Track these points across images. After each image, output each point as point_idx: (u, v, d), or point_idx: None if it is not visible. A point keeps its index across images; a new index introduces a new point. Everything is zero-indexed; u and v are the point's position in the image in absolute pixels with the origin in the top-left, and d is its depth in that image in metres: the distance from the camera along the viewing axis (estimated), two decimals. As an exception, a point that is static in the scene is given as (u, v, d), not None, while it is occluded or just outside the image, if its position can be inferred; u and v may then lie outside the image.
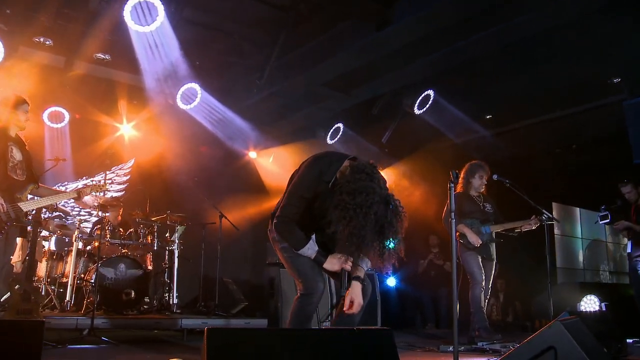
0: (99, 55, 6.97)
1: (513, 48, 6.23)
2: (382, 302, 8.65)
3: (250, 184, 9.50)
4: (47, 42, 6.59)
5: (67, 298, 6.48)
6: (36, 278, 6.71)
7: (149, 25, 5.67)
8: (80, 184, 9.23)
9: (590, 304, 7.11)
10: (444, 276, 8.82)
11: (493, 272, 6.04)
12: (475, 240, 5.81)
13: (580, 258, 11.32)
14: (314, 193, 3.09)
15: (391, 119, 8.22)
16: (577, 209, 11.36)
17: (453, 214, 3.62)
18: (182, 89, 7.42)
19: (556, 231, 10.43)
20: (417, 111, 7.43)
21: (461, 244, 5.98)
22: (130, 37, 6.03)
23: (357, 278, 3.12)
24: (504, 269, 8.72)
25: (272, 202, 9.20)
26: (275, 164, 9.66)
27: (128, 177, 9.80)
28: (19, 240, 4.76)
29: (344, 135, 8.71)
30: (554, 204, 10.27)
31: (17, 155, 4.44)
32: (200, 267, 7.67)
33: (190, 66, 7.03)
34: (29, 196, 4.55)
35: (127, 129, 8.95)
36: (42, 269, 6.87)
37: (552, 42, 6.11)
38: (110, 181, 9.62)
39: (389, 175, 9.72)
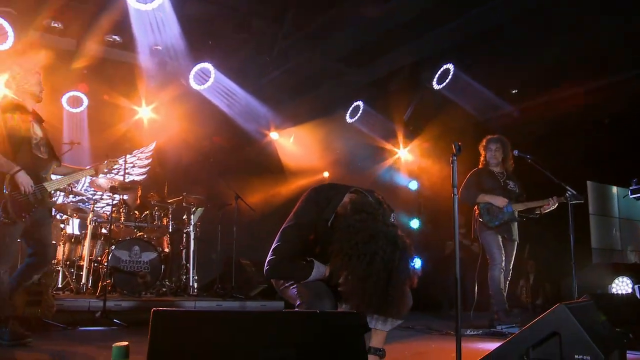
0: (111, 37, 6.87)
1: (537, 13, 5.81)
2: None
3: (269, 166, 9.36)
4: (57, 25, 6.52)
5: (83, 280, 6.49)
6: (55, 261, 6.77)
7: (150, 2, 5.51)
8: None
9: (622, 286, 6.71)
10: (472, 257, 8.53)
11: (514, 253, 5.74)
12: (501, 202, 5.55)
13: (617, 238, 10.81)
14: (313, 232, 2.72)
15: (412, 95, 7.91)
16: (614, 187, 10.82)
17: (455, 189, 3.37)
18: (195, 69, 7.29)
19: (591, 210, 9.96)
20: (436, 86, 7.10)
21: (480, 222, 5.71)
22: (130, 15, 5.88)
23: (377, 351, 2.73)
24: (534, 250, 8.41)
25: (290, 184, 9.12)
26: (295, 144, 9.50)
27: (150, 161, 9.79)
28: None
29: (364, 114, 8.45)
30: (588, 183, 9.80)
31: (38, 131, 4.19)
32: (217, 250, 7.60)
33: (202, 46, 6.92)
34: (52, 176, 4.37)
35: (146, 112, 8.90)
36: (60, 251, 6.89)
37: (583, 3, 5.62)
38: (132, 165, 9.63)
39: (411, 153, 9.45)
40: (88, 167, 4.69)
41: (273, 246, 2.78)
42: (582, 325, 2.58)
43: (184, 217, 7.57)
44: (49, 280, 5.19)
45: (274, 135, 9.55)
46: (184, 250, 7.44)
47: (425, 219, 9.32)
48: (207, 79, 7.47)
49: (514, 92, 7.73)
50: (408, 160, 9.55)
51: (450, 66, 6.96)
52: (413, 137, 9.21)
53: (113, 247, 6.44)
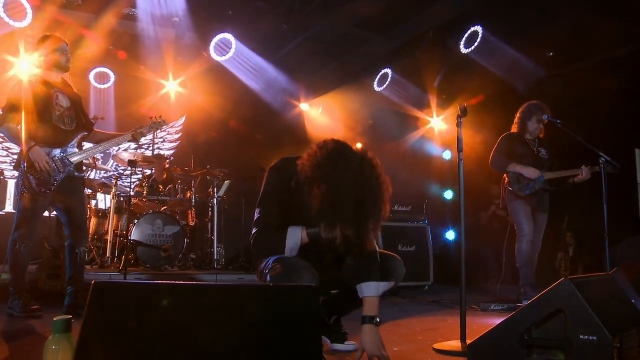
0: (130, 10, 6.80)
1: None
2: (440, 257, 8.29)
3: (297, 138, 9.19)
4: (76, 2, 6.48)
5: (108, 254, 6.55)
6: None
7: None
8: (133, 143, 9.34)
9: (666, 260, 6.25)
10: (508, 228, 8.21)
11: (545, 224, 5.41)
12: (532, 172, 5.23)
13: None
14: (285, 194, 2.68)
15: (440, 61, 7.53)
16: (667, 154, 10.14)
17: (460, 153, 3.13)
18: (215, 39, 7.16)
19: (639, 180, 9.37)
20: (463, 50, 6.72)
21: (510, 191, 5.40)
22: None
23: (370, 319, 2.62)
24: (574, 221, 7.98)
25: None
26: (324, 115, 9.29)
27: (180, 135, 9.81)
28: None
29: (393, 81, 8.14)
30: (637, 151, 9.21)
31: (63, 102, 4.07)
32: (242, 223, 7.54)
33: (222, 16, 6.77)
34: (85, 144, 4.29)
35: (173, 86, 8.87)
36: (90, 225, 6.97)
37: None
38: (162, 139, 9.68)
39: (445, 122, 9.10)
40: (126, 133, 4.34)
41: (254, 219, 2.72)
42: (590, 302, 2.33)
43: (210, 190, 7.53)
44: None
45: (303, 106, 9.36)
46: (209, 224, 7.41)
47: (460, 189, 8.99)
48: (228, 50, 7.31)
49: (550, 54, 7.24)
50: (441, 129, 9.21)
51: (479, 28, 6.56)
52: (446, 105, 8.84)
53: (136, 220, 6.46)
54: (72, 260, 4.12)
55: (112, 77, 8.38)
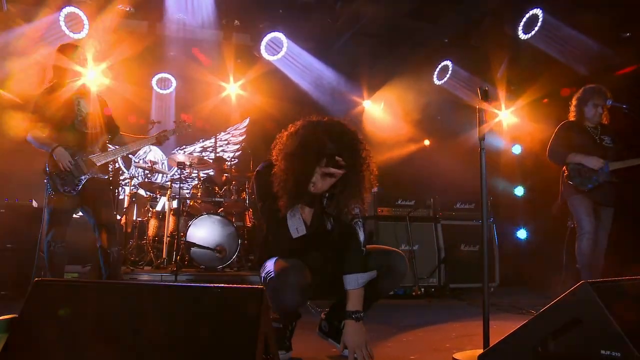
0: (179, 15, 6.91)
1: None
2: (511, 258, 7.80)
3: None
4: (128, 9, 6.67)
5: (164, 256, 6.68)
6: (147, 236, 7.05)
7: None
8: (197, 146, 9.56)
9: None
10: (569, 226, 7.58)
11: (611, 220, 4.89)
12: (595, 162, 4.75)
13: None
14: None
15: (503, 49, 7.04)
16: None
17: (482, 142, 2.83)
18: (266, 38, 7.13)
19: None
20: (522, 36, 6.23)
21: (569, 185, 4.93)
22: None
23: (352, 314, 2.56)
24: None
25: (380, 155, 8.65)
26: (385, 113, 9.01)
27: (243, 137, 9.90)
28: None
29: (454, 74, 7.74)
30: None
31: (84, 107, 4.23)
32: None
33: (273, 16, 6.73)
34: (110, 147, 4.42)
35: (233, 89, 8.95)
36: (150, 227, 7.16)
37: None
38: (226, 142, 9.81)
39: (514, 115, 8.54)
40: (150, 136, 4.56)
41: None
42: (614, 312, 1.99)
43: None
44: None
45: (366, 103, 9.14)
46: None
47: (531, 185, 8.41)
48: (280, 50, 7.27)
49: (626, 34, 6.54)
50: (510, 123, 8.66)
51: (539, 11, 6.05)
52: (515, 97, 8.30)
53: (191, 222, 6.54)
54: (105, 261, 4.20)
55: (174, 82, 8.58)
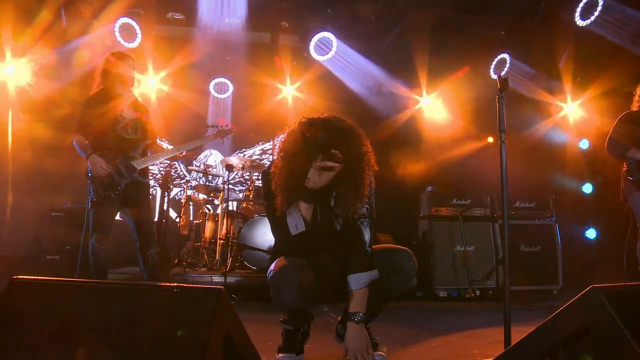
0: (229, 19, 7.02)
1: None
2: (579, 258, 7.40)
3: (412, 137, 8.75)
4: (179, 17, 6.85)
5: (217, 257, 6.79)
6: (203, 238, 7.21)
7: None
8: (257, 149, 9.68)
9: None
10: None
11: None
12: None
13: None
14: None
15: (563, 39, 6.63)
16: None
17: (502, 134, 2.66)
18: (315, 38, 7.11)
19: None
20: (580, 22, 5.82)
21: (630, 181, 4.58)
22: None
23: (352, 316, 2.50)
24: None
25: (423, 153, 8.39)
26: (443, 110, 8.73)
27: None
28: None
29: (512, 67, 7.38)
30: None
31: (127, 114, 4.37)
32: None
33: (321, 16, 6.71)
34: (149, 153, 4.53)
35: (290, 91, 8.99)
36: (206, 230, 7.31)
37: None
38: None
39: (581, 108, 8.07)
40: (180, 146, 4.67)
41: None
42: (626, 320, 1.79)
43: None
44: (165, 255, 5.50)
45: (425, 101, 8.91)
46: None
47: (600, 182, 7.89)
48: (329, 50, 7.23)
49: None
50: (577, 117, 8.19)
51: (597, -7, 5.65)
52: (581, 89, 7.84)
53: (242, 224, 6.61)
54: (145, 263, 4.32)
55: (231, 87, 8.74)
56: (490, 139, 8.91)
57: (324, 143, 2.43)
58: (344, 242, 2.63)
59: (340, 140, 2.46)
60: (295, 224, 2.52)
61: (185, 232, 7.36)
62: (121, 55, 4.45)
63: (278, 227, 2.64)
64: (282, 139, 2.58)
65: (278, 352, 2.67)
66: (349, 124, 2.57)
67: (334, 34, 7.14)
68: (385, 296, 2.69)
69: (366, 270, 2.53)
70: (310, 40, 7.16)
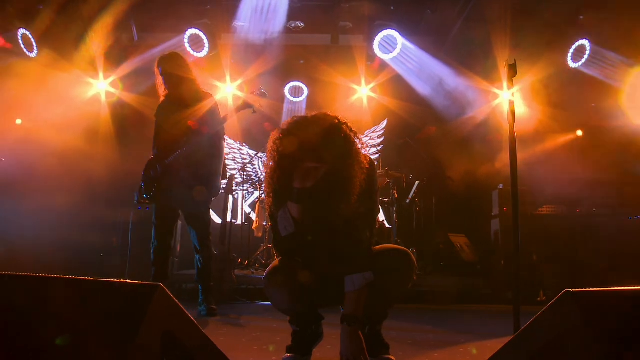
0: (293, 23, 7.12)
1: None
2: None
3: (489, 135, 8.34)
4: (243, 25, 7.03)
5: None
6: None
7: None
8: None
9: None
10: None
11: None
12: None
13: None
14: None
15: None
16: None
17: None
18: (379, 36, 7.02)
19: None
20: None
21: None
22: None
23: (345, 319, 2.43)
24: None
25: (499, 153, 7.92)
26: (522, 104, 8.25)
27: (382, 139, 9.81)
28: None
29: (593, 55, 6.82)
30: None
31: (177, 115, 4.45)
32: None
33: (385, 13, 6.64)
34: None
35: (365, 91, 8.94)
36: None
37: None
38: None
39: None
40: None
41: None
42: (599, 330, 1.60)
43: (392, 190, 7.41)
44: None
45: (505, 95, 8.46)
46: (391, 227, 7.25)
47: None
48: (394, 48, 7.11)
49: None
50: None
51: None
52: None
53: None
54: (202, 260, 4.52)
55: (306, 91, 8.85)
56: (579, 132, 8.33)
57: (310, 142, 2.40)
58: (338, 243, 2.56)
59: (327, 139, 2.41)
60: (285, 225, 2.51)
61: (260, 235, 7.52)
62: (178, 57, 4.58)
63: (273, 228, 2.64)
64: (271, 139, 2.54)
65: (286, 352, 2.67)
66: (336, 122, 2.51)
67: (397, 31, 7.01)
68: (386, 299, 2.61)
69: (361, 271, 2.45)
70: (374, 39, 7.07)
